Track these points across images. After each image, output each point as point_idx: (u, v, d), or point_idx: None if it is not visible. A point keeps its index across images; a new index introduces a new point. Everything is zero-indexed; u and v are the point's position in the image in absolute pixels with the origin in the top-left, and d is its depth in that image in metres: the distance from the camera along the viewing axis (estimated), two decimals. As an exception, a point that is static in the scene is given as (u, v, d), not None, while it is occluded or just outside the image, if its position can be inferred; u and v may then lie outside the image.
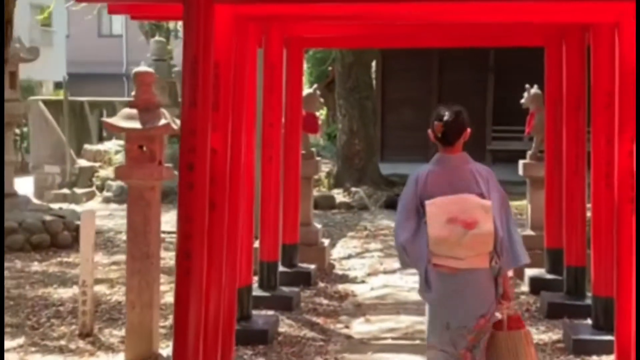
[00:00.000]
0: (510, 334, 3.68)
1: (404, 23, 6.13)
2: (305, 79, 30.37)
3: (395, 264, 8.06)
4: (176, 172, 11.23)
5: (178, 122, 4.08)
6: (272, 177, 6.62)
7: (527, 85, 8.26)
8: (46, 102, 15.98)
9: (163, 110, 4.89)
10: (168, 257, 8.45)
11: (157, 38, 14.86)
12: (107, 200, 13.72)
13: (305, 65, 31.34)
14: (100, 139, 17.37)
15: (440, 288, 3.67)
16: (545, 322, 6.27)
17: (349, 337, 5.98)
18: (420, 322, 5.51)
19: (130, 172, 4.92)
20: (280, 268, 7.45)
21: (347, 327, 6.22)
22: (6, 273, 7.69)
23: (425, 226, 3.60)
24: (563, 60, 6.89)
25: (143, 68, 4.97)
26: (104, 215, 12.22)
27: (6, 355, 5.38)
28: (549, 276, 7.33)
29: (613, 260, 5.43)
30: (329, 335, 5.99)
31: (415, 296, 6.06)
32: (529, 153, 8.30)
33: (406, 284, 7.50)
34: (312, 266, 7.73)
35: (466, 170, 3.73)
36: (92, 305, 5.98)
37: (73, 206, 13.19)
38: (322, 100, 8.60)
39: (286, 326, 6.14)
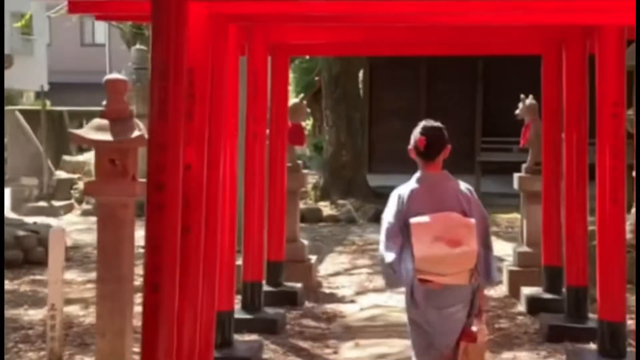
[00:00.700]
0: (458, 344, 3.76)
1: (393, 27, 5.76)
2: (291, 89, 30.13)
3: (386, 283, 7.69)
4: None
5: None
6: (255, 191, 6.24)
7: (522, 96, 7.93)
8: (24, 112, 15.52)
9: (137, 121, 4.49)
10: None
11: (138, 46, 14.43)
12: (86, 213, 13.25)
13: (291, 76, 31.11)
14: (80, 150, 16.92)
15: (426, 305, 3.70)
16: (546, 346, 5.91)
17: (337, 363, 5.61)
18: (414, 348, 5.14)
19: (100, 188, 4.51)
20: (265, 287, 7.06)
21: (335, 352, 5.83)
22: (-26, 293, 7.26)
23: (409, 245, 3.63)
24: (563, 68, 6.58)
25: (115, 75, 4.57)
26: (82, 229, 11.78)
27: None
28: (547, 295, 6.98)
29: (621, 281, 5.13)
30: (316, 362, 5.61)
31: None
32: (524, 166, 7.96)
33: (397, 303, 7.08)
34: (299, 285, 7.34)
35: (448, 188, 3.75)
36: (61, 330, 5.56)
37: (51, 219, 12.77)
38: (308, 110, 8.23)
39: (270, 352, 5.74)
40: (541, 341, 6.05)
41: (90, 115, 18.29)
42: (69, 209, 13.58)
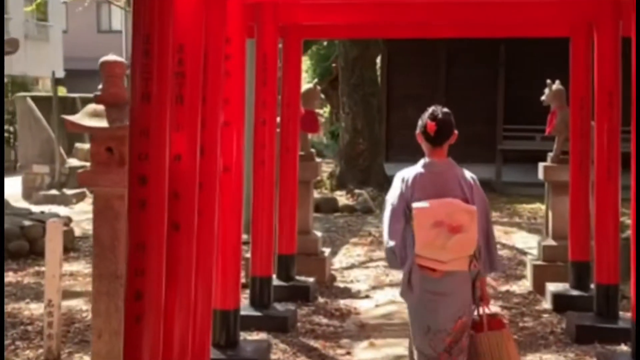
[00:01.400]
0: (490, 334, 3.73)
1: (410, 5, 5.38)
2: (308, 76, 29.80)
3: (401, 275, 7.33)
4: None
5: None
6: (265, 181, 5.89)
7: (548, 81, 7.51)
8: (37, 99, 15.30)
9: (134, 106, 4.15)
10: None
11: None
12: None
13: (308, 62, 30.78)
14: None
15: (422, 290, 3.72)
16: (575, 348, 5.53)
17: (351, 365, 5.27)
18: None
19: (95, 178, 4.19)
20: (276, 281, 6.74)
21: (348, 352, 5.48)
22: (-25, 286, 6.99)
23: (411, 228, 3.67)
24: (592, 51, 6.18)
25: (111, 57, 4.23)
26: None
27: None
28: (574, 292, 6.60)
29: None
30: (329, 364, 5.28)
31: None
32: (549, 155, 7.54)
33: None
34: (311, 279, 7.01)
35: (452, 175, 3.77)
36: (59, 327, 5.26)
37: (62, 208, 12.53)
38: (322, 96, 7.86)
39: (280, 352, 5.41)
40: (569, 342, 5.67)
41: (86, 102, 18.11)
42: (81, 197, 13.33)
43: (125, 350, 2.51)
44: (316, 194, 13.59)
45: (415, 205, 3.65)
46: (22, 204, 12.27)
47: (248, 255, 6.24)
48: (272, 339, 5.60)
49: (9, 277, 7.75)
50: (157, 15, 2.42)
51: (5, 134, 17.07)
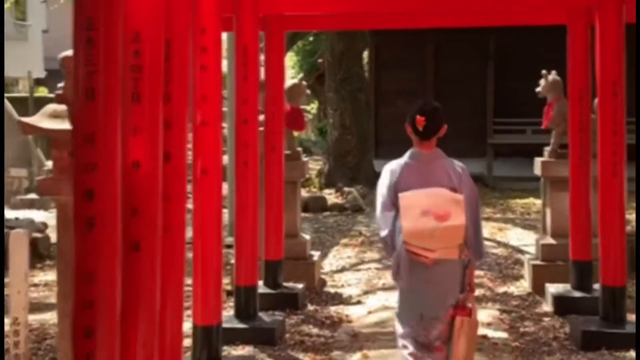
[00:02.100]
0: (453, 320, 3.75)
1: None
2: (294, 72, 29.40)
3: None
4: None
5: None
6: (248, 183, 5.52)
7: (543, 71, 7.16)
8: (15, 100, 14.85)
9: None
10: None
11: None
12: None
13: (294, 58, 30.39)
14: (74, 139, 16.24)
15: (412, 278, 3.74)
16: (581, 356, 5.19)
17: (343, 380, 4.91)
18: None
19: (57, 186, 3.82)
20: (263, 289, 6.38)
21: (340, 365, 5.13)
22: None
23: (399, 218, 3.69)
24: (591, 39, 5.86)
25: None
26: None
27: None
28: (577, 294, 6.27)
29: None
30: (319, 379, 4.91)
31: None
32: (546, 149, 7.20)
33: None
34: (300, 285, 6.64)
35: (439, 165, 3.80)
36: (26, 346, 4.86)
37: (41, 213, 12.10)
38: (309, 92, 7.49)
39: (267, 367, 5.06)
40: (574, 349, 5.32)
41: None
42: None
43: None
44: (304, 193, 13.22)
45: (401, 194, 3.68)
46: (-1, 209, 11.82)
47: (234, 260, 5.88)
48: (258, 353, 5.23)
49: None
50: (102, -2, 2.04)
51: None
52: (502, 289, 7.12)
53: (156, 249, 2.48)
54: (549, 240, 7.08)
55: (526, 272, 7.31)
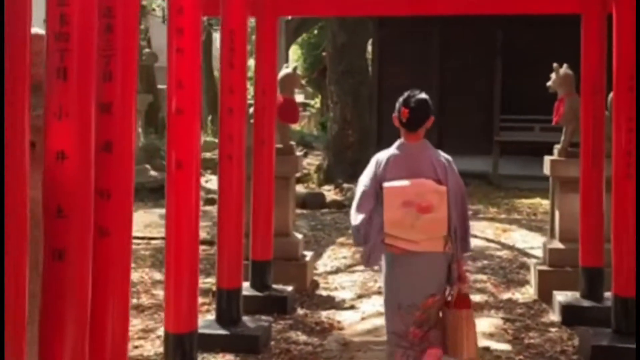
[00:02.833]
0: (454, 312, 3.75)
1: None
2: (299, 65, 28.96)
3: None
4: (153, 172, 9.22)
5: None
6: (233, 178, 5.11)
7: (554, 65, 6.72)
8: None
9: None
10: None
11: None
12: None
13: (298, 52, 29.91)
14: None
15: (392, 270, 3.74)
16: (591, 374, 4.77)
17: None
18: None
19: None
20: (249, 291, 5.98)
21: (328, 379, 4.72)
22: None
23: (381, 208, 3.68)
24: (607, 29, 5.43)
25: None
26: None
27: None
28: (586, 303, 5.84)
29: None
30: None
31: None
32: (556, 147, 6.76)
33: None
34: (289, 288, 6.23)
35: (425, 156, 3.79)
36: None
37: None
38: (303, 82, 7.06)
39: (247, 379, 4.65)
40: (584, 365, 4.91)
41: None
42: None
43: None
44: (303, 189, 12.83)
45: (385, 184, 3.68)
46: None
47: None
48: (239, 363, 4.83)
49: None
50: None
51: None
52: (506, 295, 6.70)
53: (86, 258, 2.06)
54: (557, 244, 6.65)
55: (532, 277, 6.88)
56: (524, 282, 7.11)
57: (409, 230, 3.63)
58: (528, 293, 6.75)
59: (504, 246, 8.90)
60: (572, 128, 6.57)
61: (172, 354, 4.14)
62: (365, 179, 3.83)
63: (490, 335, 5.48)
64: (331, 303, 6.41)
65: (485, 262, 8.03)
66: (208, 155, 12.74)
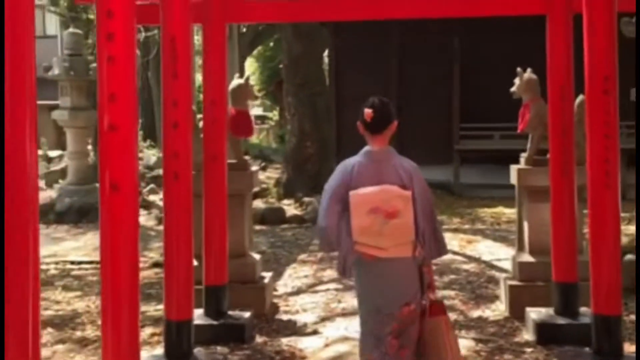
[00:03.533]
0: (431, 320, 3.74)
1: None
2: (255, 78, 28.60)
3: (355, 301, 6.17)
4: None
5: None
6: (180, 199, 4.67)
7: (518, 69, 6.42)
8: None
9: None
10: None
11: (71, 29, 12.73)
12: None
13: (254, 65, 29.52)
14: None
15: (364, 276, 3.76)
16: (573, 399, 4.43)
17: None
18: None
19: None
20: (203, 320, 5.54)
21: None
22: None
23: (348, 216, 3.71)
24: (574, 29, 5.15)
25: None
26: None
27: None
28: (561, 320, 5.51)
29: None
30: None
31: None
32: (523, 156, 6.46)
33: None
34: (247, 314, 5.80)
35: (390, 163, 3.81)
36: None
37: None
38: (256, 93, 6.67)
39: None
40: (564, 390, 4.57)
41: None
42: None
43: None
44: (262, 204, 12.42)
45: (352, 192, 3.69)
46: None
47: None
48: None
49: None
50: None
51: None
52: (476, 313, 6.36)
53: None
54: (527, 257, 6.34)
55: (502, 293, 6.55)
56: (493, 298, 6.78)
57: (377, 237, 3.65)
58: (499, 310, 6.42)
59: (470, 259, 8.60)
60: (539, 135, 6.28)
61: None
62: (332, 183, 3.82)
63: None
64: (292, 328, 5.99)
65: (452, 276, 7.70)
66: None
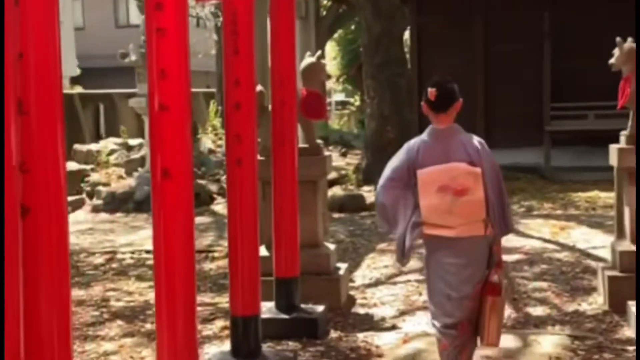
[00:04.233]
0: (483, 297, 3.68)
1: None
2: (337, 63, 28.23)
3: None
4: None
5: None
6: (244, 186, 4.35)
7: (618, 39, 5.79)
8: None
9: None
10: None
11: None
12: (96, 210, 11.63)
13: (336, 48, 29.12)
14: (98, 137, 15.35)
15: (435, 259, 3.69)
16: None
17: None
18: None
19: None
20: (274, 314, 5.23)
21: None
22: None
23: (412, 196, 3.66)
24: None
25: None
26: (83, 229, 10.13)
27: None
28: (672, 317, 4.92)
29: None
30: None
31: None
32: (623, 134, 5.85)
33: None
34: (320, 308, 5.45)
35: (457, 140, 3.73)
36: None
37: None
38: (329, 74, 6.27)
39: None
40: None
41: (107, 99, 16.75)
42: (78, 204, 11.96)
43: None
44: (340, 191, 12.07)
45: (419, 171, 3.63)
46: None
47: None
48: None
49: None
50: None
51: None
52: (571, 307, 5.82)
53: None
54: (629, 245, 5.74)
55: (600, 284, 5.98)
56: (590, 290, 6.21)
57: (447, 215, 3.58)
58: (596, 303, 5.86)
59: (564, 247, 7.99)
60: (643, 110, 5.66)
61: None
62: (394, 162, 3.77)
63: (558, 359, 4.62)
64: (369, 323, 5.61)
65: (544, 266, 7.14)
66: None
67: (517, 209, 10.62)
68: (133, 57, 11.87)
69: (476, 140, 3.75)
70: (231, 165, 4.29)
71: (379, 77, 11.98)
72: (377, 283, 6.77)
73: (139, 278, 7.36)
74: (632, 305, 5.21)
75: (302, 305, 5.40)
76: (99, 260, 8.27)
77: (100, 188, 12.01)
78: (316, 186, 6.07)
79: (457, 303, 3.66)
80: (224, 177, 12.46)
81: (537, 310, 5.76)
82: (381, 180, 3.77)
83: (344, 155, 16.05)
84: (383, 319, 5.68)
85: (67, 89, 21.95)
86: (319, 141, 6.28)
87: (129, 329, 5.67)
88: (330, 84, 29.65)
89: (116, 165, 13.19)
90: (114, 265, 8.02)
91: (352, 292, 6.37)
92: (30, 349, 2.12)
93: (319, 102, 5.98)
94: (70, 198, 12.01)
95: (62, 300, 2.38)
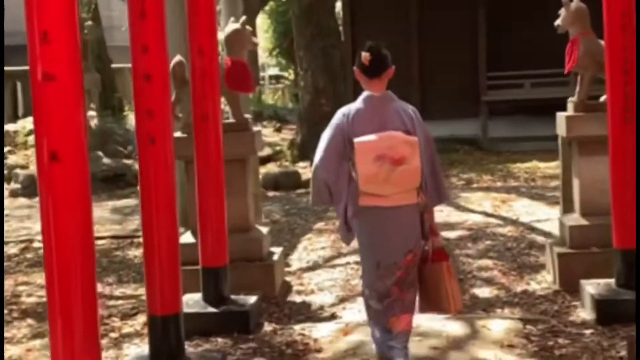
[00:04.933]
0: (433, 266, 3.72)
1: None
2: (269, 36, 27.51)
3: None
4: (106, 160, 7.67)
5: None
6: (158, 167, 3.81)
7: (563, -1, 5.42)
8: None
9: None
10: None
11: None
12: (13, 194, 10.86)
13: (267, 21, 28.37)
14: (15, 117, 14.43)
15: (368, 226, 3.66)
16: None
17: None
18: None
19: None
20: (201, 307, 4.74)
21: None
22: None
23: (348, 166, 3.63)
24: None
25: None
26: (-3, 216, 9.38)
27: None
28: (626, 294, 4.61)
29: None
30: None
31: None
32: (571, 101, 5.51)
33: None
34: (253, 299, 4.97)
35: (391, 107, 3.70)
36: None
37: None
38: (256, 40, 5.74)
39: None
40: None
41: (24, 77, 15.78)
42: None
43: None
44: (275, 168, 11.59)
45: (356, 140, 3.58)
46: None
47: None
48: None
49: None
50: None
51: None
52: (520, 287, 5.49)
53: None
54: (579, 220, 5.43)
55: (549, 261, 5.67)
56: (538, 268, 5.91)
57: (383, 184, 3.56)
58: (546, 282, 5.55)
59: (507, 221, 7.71)
60: (590, 75, 5.33)
61: None
62: (329, 132, 3.67)
63: (510, 347, 4.25)
64: (307, 312, 5.17)
65: (488, 242, 6.82)
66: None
67: (456, 182, 10.34)
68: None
69: (410, 108, 3.75)
70: (143, 143, 3.75)
71: (312, 49, 11.49)
72: (314, 267, 6.33)
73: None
74: (586, 284, 4.89)
75: (233, 297, 4.92)
76: (12, 250, 7.60)
77: (18, 171, 11.23)
78: (245, 164, 5.56)
79: (387, 271, 3.64)
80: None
81: (484, 292, 5.42)
82: (318, 155, 3.65)
83: (278, 130, 15.53)
84: (321, 308, 5.25)
85: None
86: (247, 115, 5.77)
87: (39, 329, 5.09)
88: (263, 58, 29.02)
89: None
90: (29, 255, 7.38)
91: (287, 278, 5.92)
92: None
93: (245, 72, 5.45)
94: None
95: None
